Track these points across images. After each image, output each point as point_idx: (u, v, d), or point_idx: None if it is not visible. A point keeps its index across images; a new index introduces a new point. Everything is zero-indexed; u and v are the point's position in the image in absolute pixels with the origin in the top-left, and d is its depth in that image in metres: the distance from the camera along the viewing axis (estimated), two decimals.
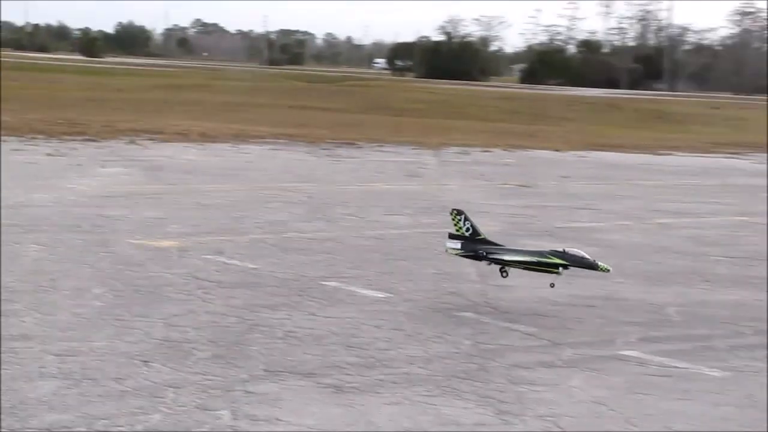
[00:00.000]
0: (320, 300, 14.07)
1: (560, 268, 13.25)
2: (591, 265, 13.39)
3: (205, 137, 39.94)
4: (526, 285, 15.40)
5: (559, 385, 10.45)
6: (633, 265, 17.31)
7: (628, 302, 14.51)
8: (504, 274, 13.54)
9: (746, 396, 10.39)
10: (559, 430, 9.04)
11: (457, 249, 13.58)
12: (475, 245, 13.51)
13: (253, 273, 15.73)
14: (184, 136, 39.57)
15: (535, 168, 35.97)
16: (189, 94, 69.02)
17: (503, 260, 13.42)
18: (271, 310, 13.33)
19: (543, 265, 13.33)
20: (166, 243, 17.64)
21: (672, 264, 17.65)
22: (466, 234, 13.55)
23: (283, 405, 9.53)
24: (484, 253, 13.47)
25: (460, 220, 13.61)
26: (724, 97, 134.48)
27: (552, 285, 13.39)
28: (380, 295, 14.49)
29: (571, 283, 15.60)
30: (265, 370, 10.67)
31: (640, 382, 10.75)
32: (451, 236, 13.68)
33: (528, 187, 29.62)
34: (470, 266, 16.61)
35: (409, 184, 29.91)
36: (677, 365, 11.45)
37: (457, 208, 14.02)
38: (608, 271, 13.56)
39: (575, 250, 13.66)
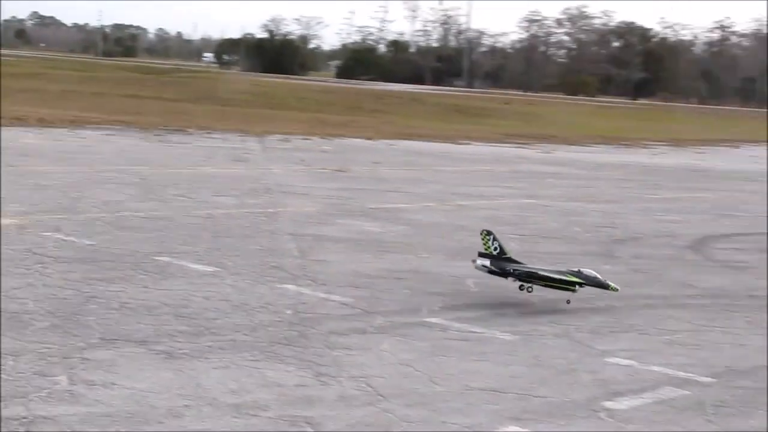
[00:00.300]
0: (153, 274, 13.83)
1: (576, 286, 13.23)
2: (602, 285, 13.40)
3: (43, 122, 38.98)
4: (341, 260, 15.49)
5: (371, 350, 10.50)
6: (436, 242, 17.53)
7: (432, 275, 14.66)
8: (529, 290, 13.39)
9: (533, 356, 10.61)
10: (371, 389, 9.06)
11: (487, 266, 13.43)
12: (502, 263, 13.36)
13: (89, 249, 15.37)
14: (22, 122, 38.37)
15: (350, 155, 36.14)
16: (27, 82, 66.98)
17: (528, 277, 13.33)
18: (107, 283, 13.04)
19: (563, 282, 13.27)
20: (5, 221, 17.10)
21: (470, 241, 17.84)
22: (494, 252, 13.41)
23: (118, 370, 9.33)
24: (512, 270, 13.35)
25: (489, 240, 13.48)
26: (514, 93, 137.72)
27: (568, 302, 13.29)
28: (209, 269, 14.33)
29: (381, 258, 15.76)
30: (101, 339, 10.44)
31: (442, 345, 10.88)
32: (481, 255, 13.52)
33: (343, 171, 29.72)
34: (291, 242, 16.64)
35: (236, 168, 29.76)
36: (474, 330, 11.63)
37: (486, 229, 13.92)
38: (617, 290, 13.53)
39: (589, 270, 13.65)
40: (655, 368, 10.45)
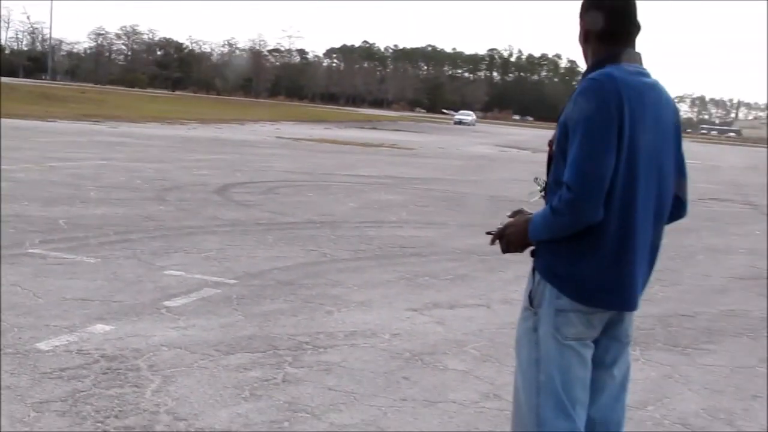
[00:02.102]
0: None
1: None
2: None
3: None
4: None
5: None
6: (35, 194, 16.23)
7: (32, 217, 13.60)
8: None
9: (111, 273, 10.18)
10: None
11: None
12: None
13: None
14: None
15: None
16: None
17: None
18: None
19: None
20: None
21: (60, 191, 16.86)
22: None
23: None
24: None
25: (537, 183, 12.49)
26: (88, 86, 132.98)
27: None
28: None
29: None
30: None
31: (42, 269, 10.14)
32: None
33: None
34: None
35: None
36: (66, 257, 10.93)
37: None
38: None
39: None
40: (198, 276, 10.38)
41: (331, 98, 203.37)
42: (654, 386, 7.52)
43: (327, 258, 12.33)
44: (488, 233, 4.49)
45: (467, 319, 9.41)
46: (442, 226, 16.54)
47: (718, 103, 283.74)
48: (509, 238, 4.36)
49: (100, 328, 7.92)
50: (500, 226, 4.41)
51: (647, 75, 4.21)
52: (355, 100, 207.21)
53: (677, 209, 4.45)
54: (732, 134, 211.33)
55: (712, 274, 13.50)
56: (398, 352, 7.98)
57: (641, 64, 4.24)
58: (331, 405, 6.52)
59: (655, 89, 4.22)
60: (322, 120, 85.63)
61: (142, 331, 7.92)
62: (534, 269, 4.32)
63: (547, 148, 4.32)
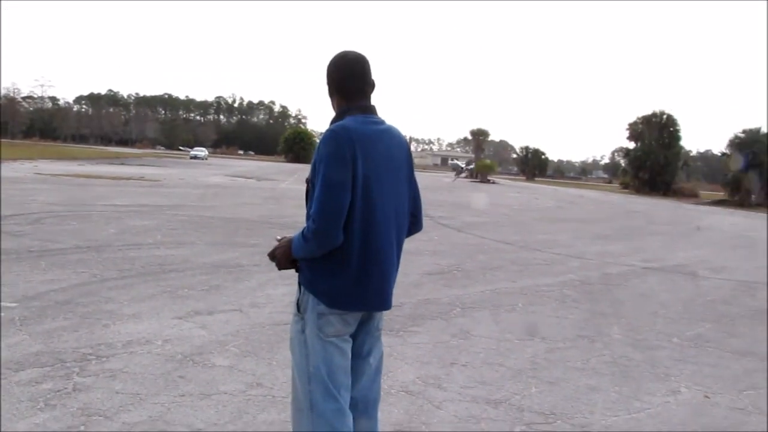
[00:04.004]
0: None
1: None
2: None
3: None
4: None
5: None
6: None
7: None
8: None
9: None
10: None
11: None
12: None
13: None
14: None
15: None
16: None
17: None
18: None
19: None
20: None
21: None
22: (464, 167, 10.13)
23: None
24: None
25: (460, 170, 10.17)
26: None
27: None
28: None
29: None
30: None
31: None
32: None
33: None
34: None
35: None
36: None
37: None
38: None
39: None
40: None
41: (81, 139, 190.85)
42: None
43: (97, 278, 11.53)
44: (267, 254, 4.55)
45: (225, 323, 9.29)
46: (192, 245, 16.06)
47: None
48: (279, 258, 4.45)
49: None
50: (273, 248, 4.49)
51: (381, 122, 4.40)
52: (104, 140, 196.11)
53: (414, 225, 4.74)
54: None
55: (409, 272, 14.40)
56: (171, 355, 7.72)
57: (376, 114, 4.43)
58: (121, 406, 6.18)
59: (388, 133, 4.41)
60: (76, 158, 78.98)
61: None
62: (299, 282, 4.43)
63: (305, 185, 4.45)
